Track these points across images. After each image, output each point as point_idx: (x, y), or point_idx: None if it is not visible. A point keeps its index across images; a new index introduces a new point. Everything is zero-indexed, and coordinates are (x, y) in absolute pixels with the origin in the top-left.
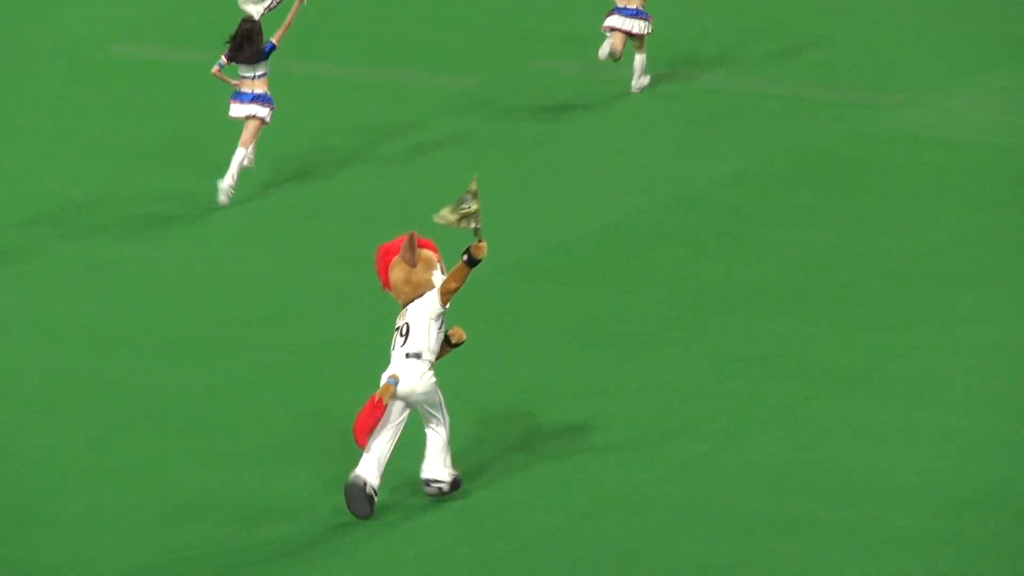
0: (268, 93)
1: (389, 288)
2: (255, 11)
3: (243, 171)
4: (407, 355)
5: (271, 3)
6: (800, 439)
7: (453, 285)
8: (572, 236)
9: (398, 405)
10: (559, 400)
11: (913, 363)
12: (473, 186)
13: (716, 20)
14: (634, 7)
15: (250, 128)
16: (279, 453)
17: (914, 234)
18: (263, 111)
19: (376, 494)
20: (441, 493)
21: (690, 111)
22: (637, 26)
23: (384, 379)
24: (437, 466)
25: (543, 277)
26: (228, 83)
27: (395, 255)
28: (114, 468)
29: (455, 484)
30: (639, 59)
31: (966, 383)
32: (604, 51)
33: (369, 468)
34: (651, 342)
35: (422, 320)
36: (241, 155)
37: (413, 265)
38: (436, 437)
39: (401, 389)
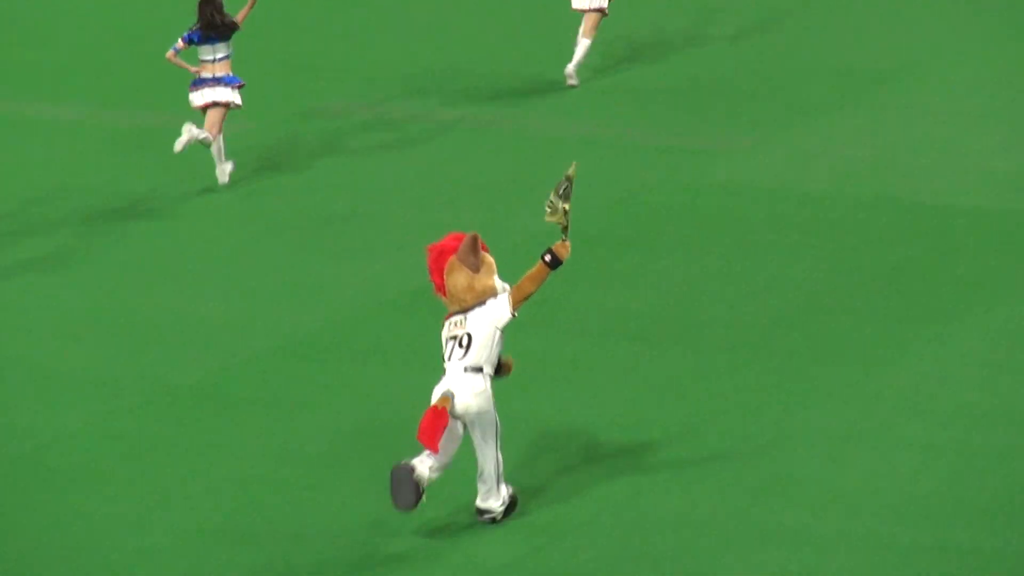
0: (232, 74)
1: (443, 292)
2: None
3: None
4: (466, 368)
5: None
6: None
7: (531, 289)
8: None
9: (452, 430)
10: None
11: None
12: (571, 171)
13: (522, 60)
14: None
15: (217, 114)
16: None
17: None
18: (234, 95)
19: (423, 488)
20: (495, 522)
21: (511, 156)
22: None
23: (438, 393)
24: (490, 495)
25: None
26: (187, 69)
27: (450, 256)
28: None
29: (511, 506)
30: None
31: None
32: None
33: (422, 462)
34: None
35: (486, 330)
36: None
37: (476, 270)
38: (487, 463)
39: (455, 408)
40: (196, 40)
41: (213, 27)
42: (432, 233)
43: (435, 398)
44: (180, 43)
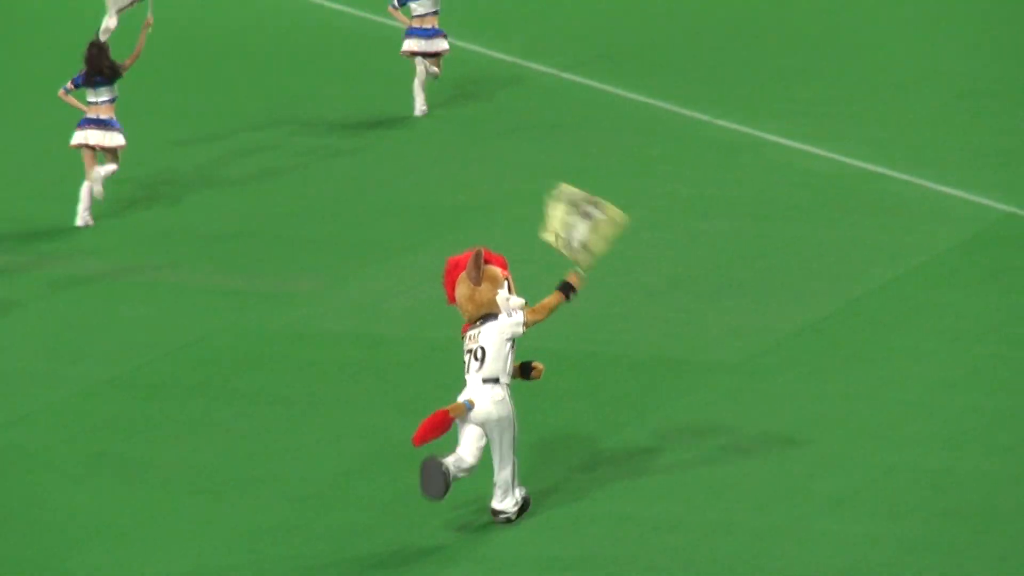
0: (114, 119)
1: (453, 302)
2: (112, 22)
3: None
4: (483, 380)
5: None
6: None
7: (541, 317)
8: None
9: (477, 430)
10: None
11: None
12: (618, 218)
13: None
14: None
15: (108, 157)
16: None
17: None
18: (121, 139)
19: (451, 481)
20: (509, 522)
21: (70, 304)
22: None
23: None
24: (505, 497)
25: None
26: (78, 107)
27: (463, 270)
28: None
29: (524, 506)
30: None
31: None
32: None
33: (450, 458)
34: None
35: (497, 343)
36: (110, 170)
37: (478, 283)
38: (504, 466)
39: (477, 415)
40: (80, 83)
41: (99, 71)
42: None
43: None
44: (69, 84)
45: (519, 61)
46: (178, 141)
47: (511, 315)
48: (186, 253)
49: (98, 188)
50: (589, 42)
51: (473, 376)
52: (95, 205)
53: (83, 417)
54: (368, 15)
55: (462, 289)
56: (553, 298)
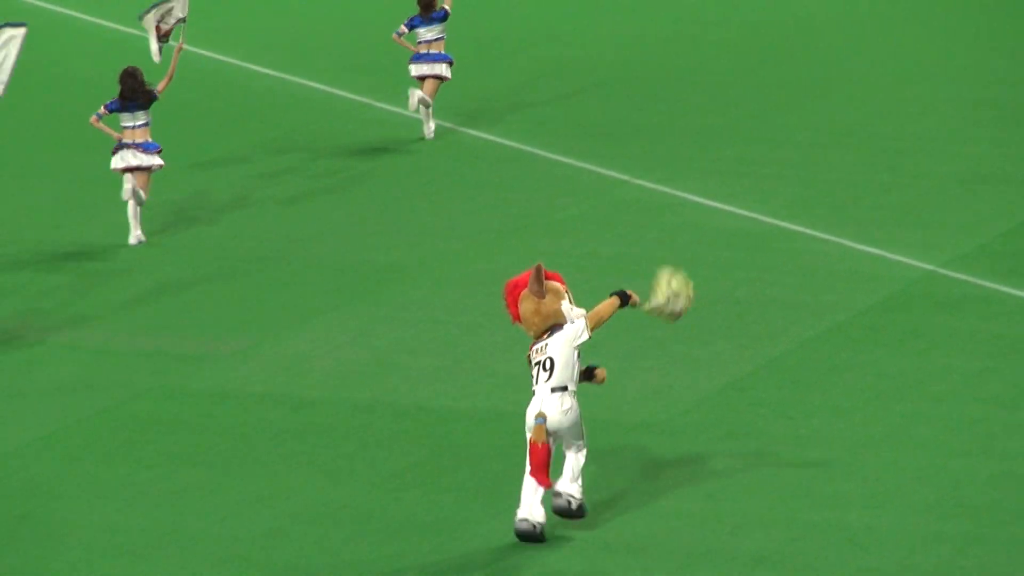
0: (151, 141)
1: (519, 321)
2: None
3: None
4: (552, 389)
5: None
6: None
7: (604, 319)
8: None
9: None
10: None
11: None
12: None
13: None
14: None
15: (142, 178)
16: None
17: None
18: (158, 161)
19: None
20: (569, 507)
21: None
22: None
23: (530, 417)
24: (573, 483)
25: None
26: (110, 135)
27: (523, 289)
28: None
29: (581, 509)
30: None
31: None
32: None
33: (533, 507)
34: None
35: (566, 352)
36: (142, 199)
37: (541, 297)
38: (574, 458)
39: (549, 425)
40: (116, 108)
41: (134, 97)
42: None
43: (529, 419)
44: (102, 110)
45: (442, 123)
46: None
47: (574, 322)
48: (108, 313)
49: (140, 197)
50: (511, 103)
51: (543, 386)
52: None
53: (3, 480)
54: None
55: (527, 305)
56: (608, 304)
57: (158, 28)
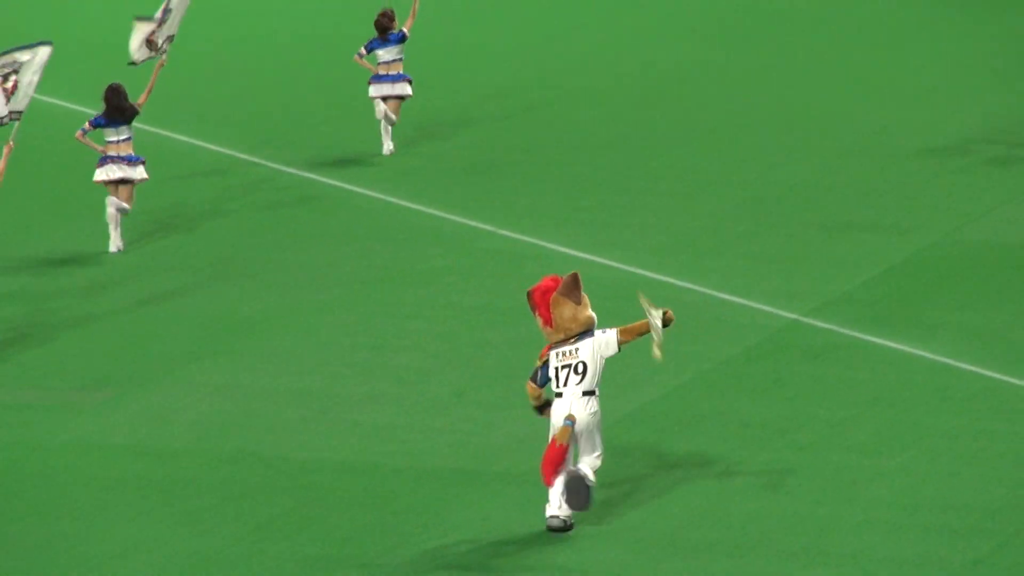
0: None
1: (551, 325)
2: (139, 55)
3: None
4: (583, 392)
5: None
6: None
7: (630, 339)
8: None
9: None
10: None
11: None
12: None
13: None
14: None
15: (127, 190)
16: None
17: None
18: (142, 172)
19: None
20: (565, 527)
21: None
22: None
23: (557, 417)
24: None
25: None
26: (94, 149)
27: (552, 294)
28: None
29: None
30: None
31: None
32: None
33: (587, 467)
34: None
35: (597, 360)
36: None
37: (579, 303)
38: (591, 461)
39: (578, 428)
40: (102, 124)
41: (119, 111)
42: None
43: (555, 419)
44: (87, 125)
45: (301, 173)
46: None
47: (608, 334)
48: None
49: (121, 208)
50: (374, 152)
51: (573, 388)
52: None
53: None
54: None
55: (565, 311)
56: (642, 323)
57: (150, 38)
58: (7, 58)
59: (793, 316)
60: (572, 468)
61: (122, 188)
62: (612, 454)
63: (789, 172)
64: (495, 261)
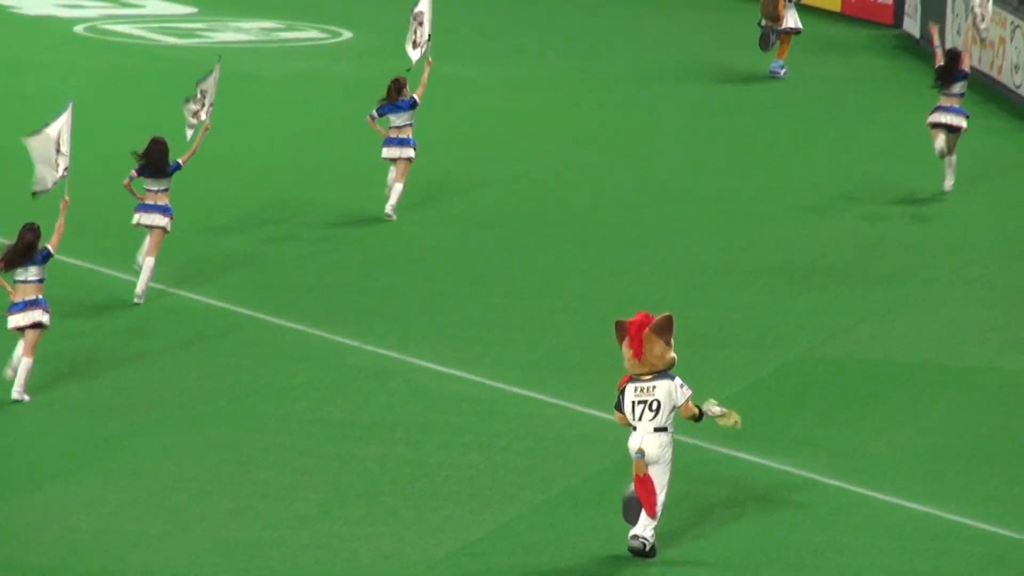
0: (169, 205)
1: (639, 358)
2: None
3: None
4: (656, 428)
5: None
6: None
7: (689, 414)
8: None
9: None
10: None
11: None
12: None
13: None
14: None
15: (155, 236)
16: None
17: None
18: (165, 220)
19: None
20: (644, 547)
21: None
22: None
23: (632, 451)
24: (648, 526)
25: None
26: (134, 195)
27: (643, 329)
28: None
29: (653, 550)
30: None
31: None
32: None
33: (646, 528)
34: None
35: (670, 402)
36: (150, 265)
37: (669, 343)
38: (660, 495)
39: (648, 459)
40: (145, 175)
41: (159, 165)
42: None
43: (632, 451)
44: (133, 173)
45: (169, 288)
46: None
47: (682, 386)
48: None
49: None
50: (239, 266)
51: (646, 424)
52: None
53: None
54: None
55: (655, 348)
56: (697, 413)
57: (195, 113)
58: (203, 86)
59: None
60: (633, 537)
61: (152, 234)
62: (479, 570)
63: (654, 288)
64: (361, 376)
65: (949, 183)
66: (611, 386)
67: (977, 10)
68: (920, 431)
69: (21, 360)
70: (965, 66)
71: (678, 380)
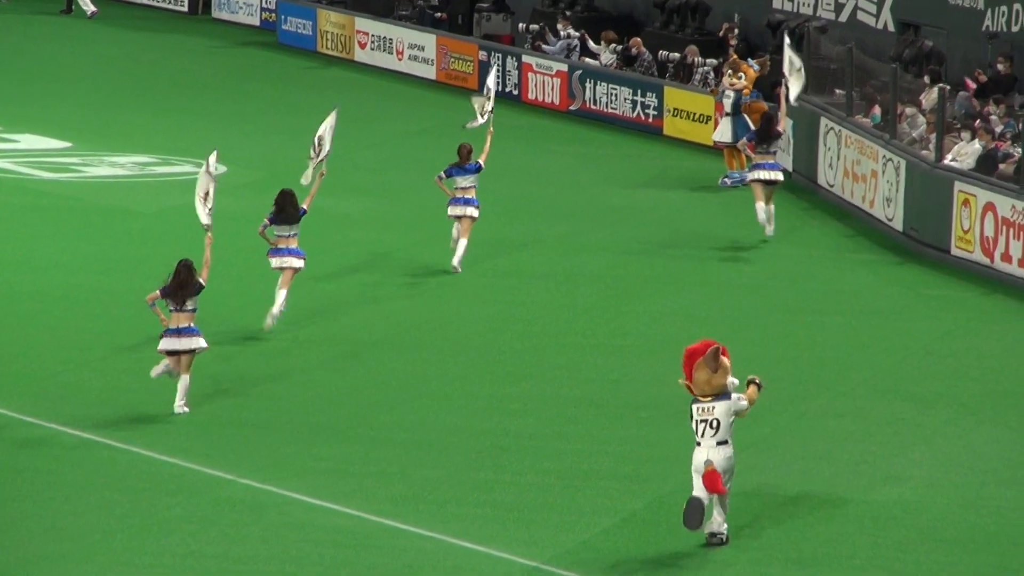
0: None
1: (691, 381)
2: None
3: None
4: (717, 443)
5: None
6: None
7: (751, 405)
8: None
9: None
10: None
11: None
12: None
13: None
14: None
15: (287, 275)
16: None
17: None
18: (299, 262)
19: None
20: (723, 542)
21: None
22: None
23: (698, 460)
24: (724, 524)
25: None
26: (267, 241)
27: (699, 358)
28: None
29: (727, 539)
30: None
31: None
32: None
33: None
34: None
35: (728, 417)
36: (283, 296)
37: (714, 372)
38: (726, 500)
39: (716, 469)
40: (274, 222)
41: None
42: None
43: (697, 462)
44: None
45: (39, 421)
46: None
47: (740, 400)
48: None
49: (174, 373)
50: (109, 398)
51: (708, 440)
52: None
53: None
54: None
55: (702, 375)
56: (753, 391)
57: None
58: (319, 133)
59: (533, 563)
60: (697, 495)
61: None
62: None
63: (527, 422)
64: (235, 510)
65: (770, 230)
66: (487, 519)
67: (789, 79)
68: (792, 564)
69: (180, 377)
70: (780, 128)
71: (735, 396)
